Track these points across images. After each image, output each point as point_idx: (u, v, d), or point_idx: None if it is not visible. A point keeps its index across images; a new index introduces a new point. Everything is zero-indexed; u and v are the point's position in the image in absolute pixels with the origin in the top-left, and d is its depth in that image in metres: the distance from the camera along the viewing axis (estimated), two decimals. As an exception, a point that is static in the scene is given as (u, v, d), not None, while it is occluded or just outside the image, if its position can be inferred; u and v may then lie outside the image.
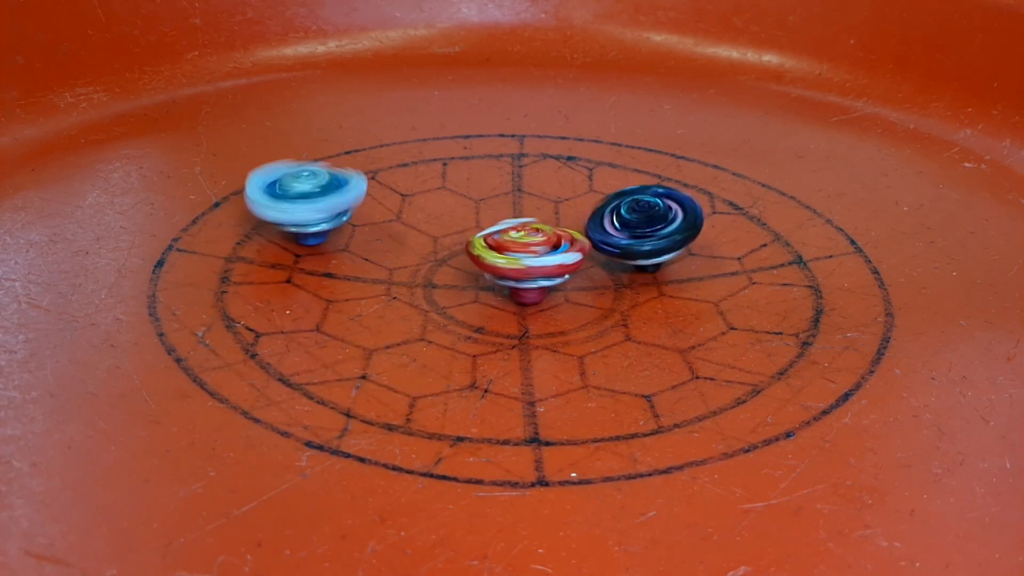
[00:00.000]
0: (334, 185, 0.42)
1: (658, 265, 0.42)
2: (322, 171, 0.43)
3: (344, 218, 0.43)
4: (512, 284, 0.40)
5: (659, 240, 0.41)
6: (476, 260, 0.39)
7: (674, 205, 0.42)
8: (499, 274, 0.39)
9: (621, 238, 0.41)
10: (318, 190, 0.42)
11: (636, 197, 0.42)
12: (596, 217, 0.42)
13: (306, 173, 0.42)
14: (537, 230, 0.40)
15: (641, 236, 0.41)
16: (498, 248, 0.39)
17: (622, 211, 0.42)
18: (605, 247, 0.41)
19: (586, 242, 0.41)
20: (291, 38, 0.57)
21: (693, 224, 0.42)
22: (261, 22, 0.56)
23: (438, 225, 0.45)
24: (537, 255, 0.39)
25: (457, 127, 0.52)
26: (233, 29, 0.56)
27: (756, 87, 0.56)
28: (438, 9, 0.59)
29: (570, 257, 0.39)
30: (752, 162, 0.50)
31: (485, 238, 0.40)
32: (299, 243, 0.43)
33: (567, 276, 0.40)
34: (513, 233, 0.40)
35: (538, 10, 0.59)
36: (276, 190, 0.42)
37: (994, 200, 0.48)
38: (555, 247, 0.40)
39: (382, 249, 0.44)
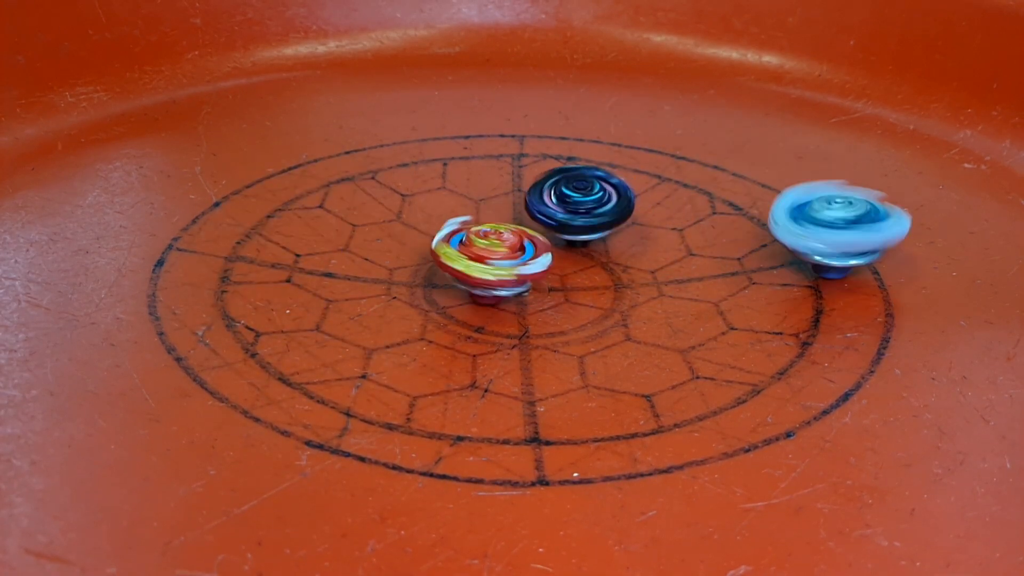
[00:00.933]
0: (870, 217, 0.40)
1: (587, 242, 0.44)
2: (861, 200, 0.40)
3: (873, 256, 0.41)
4: (483, 292, 0.40)
5: (592, 218, 0.43)
6: (453, 271, 0.39)
7: (609, 188, 0.43)
8: (476, 283, 0.39)
9: (557, 211, 0.43)
10: (845, 221, 0.40)
11: (575, 175, 0.44)
12: (536, 189, 0.43)
13: (840, 200, 0.40)
14: (499, 233, 0.40)
15: (575, 212, 0.43)
16: (472, 258, 0.39)
17: (562, 187, 0.43)
18: (541, 218, 0.43)
19: (547, 242, 0.41)
20: (291, 38, 0.57)
21: (625, 208, 0.43)
22: (261, 22, 0.56)
23: (438, 225, 0.45)
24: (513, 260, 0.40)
25: (457, 127, 0.52)
26: (233, 29, 0.56)
27: (756, 88, 0.56)
28: (438, 10, 0.59)
29: (540, 264, 0.40)
30: (752, 162, 0.50)
31: (452, 243, 0.40)
32: (819, 275, 0.42)
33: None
34: (480, 241, 0.40)
35: (538, 11, 0.59)
36: (806, 212, 0.40)
37: (994, 200, 0.48)
38: (520, 251, 0.40)
39: (382, 249, 0.44)
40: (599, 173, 0.44)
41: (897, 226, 0.40)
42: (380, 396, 0.36)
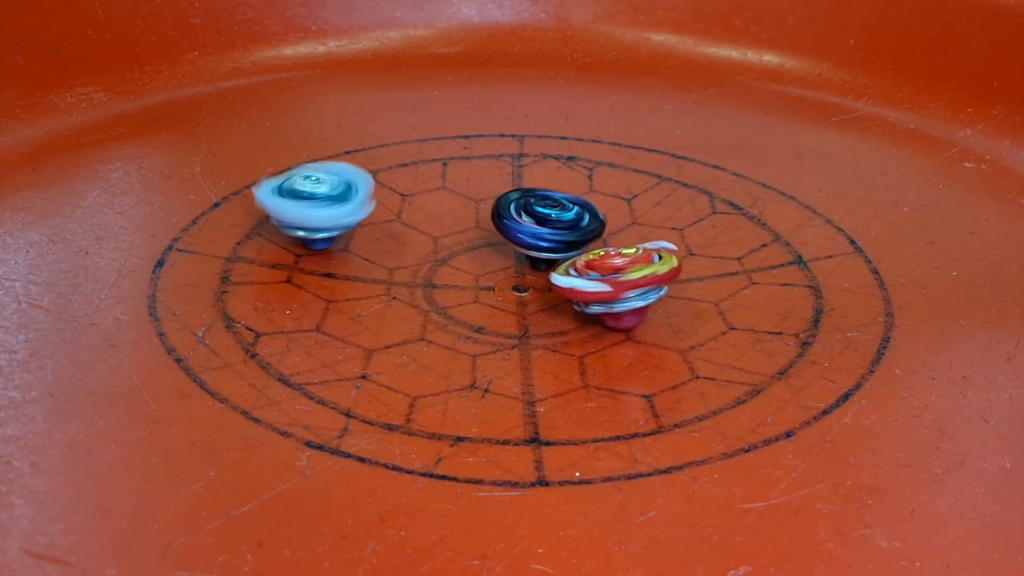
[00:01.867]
0: (337, 198, 0.41)
1: (549, 262, 0.42)
2: (337, 180, 0.42)
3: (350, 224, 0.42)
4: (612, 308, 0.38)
5: (556, 242, 0.41)
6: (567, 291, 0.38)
7: (586, 213, 0.42)
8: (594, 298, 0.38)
9: (524, 227, 0.41)
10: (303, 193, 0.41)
11: (548, 196, 0.42)
12: (504, 204, 0.42)
13: (315, 177, 0.42)
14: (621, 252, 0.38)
15: (540, 232, 0.41)
16: (591, 269, 0.38)
17: (532, 204, 0.42)
18: (507, 233, 0.41)
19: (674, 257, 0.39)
20: (291, 38, 0.57)
21: (589, 233, 0.41)
22: (261, 22, 0.56)
23: (438, 225, 0.45)
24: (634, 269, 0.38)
25: (457, 127, 0.52)
26: (233, 29, 0.56)
27: (756, 87, 0.56)
28: (438, 9, 0.59)
29: (664, 267, 0.38)
30: (752, 162, 0.50)
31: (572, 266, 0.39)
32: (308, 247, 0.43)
33: (663, 290, 0.39)
34: (602, 253, 0.38)
35: (538, 10, 0.59)
36: (283, 189, 0.42)
37: (994, 200, 0.48)
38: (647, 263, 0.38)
39: (382, 249, 0.44)
40: (559, 196, 0.42)
41: (351, 212, 0.41)
42: (380, 396, 0.36)
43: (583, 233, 0.41)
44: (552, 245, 0.41)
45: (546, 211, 0.42)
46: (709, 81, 0.56)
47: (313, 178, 0.42)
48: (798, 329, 0.40)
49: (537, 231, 0.41)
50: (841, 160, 0.50)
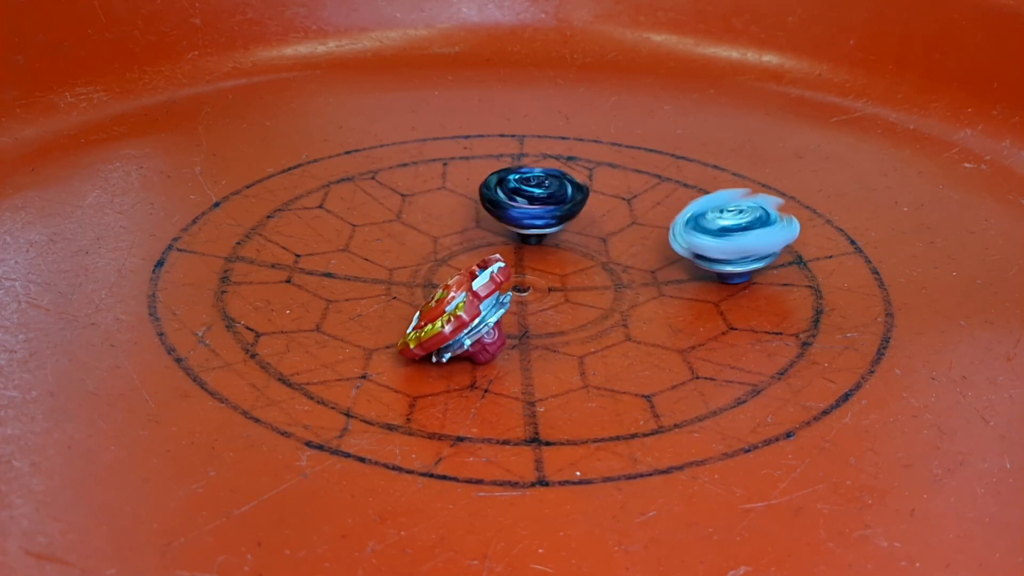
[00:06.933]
0: (760, 223, 0.41)
1: (542, 237, 0.44)
2: (752, 207, 0.41)
3: (769, 259, 0.42)
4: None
5: (551, 218, 0.43)
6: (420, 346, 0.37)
7: (569, 185, 0.44)
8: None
9: (519, 209, 0.43)
10: (742, 225, 0.41)
11: (536, 175, 0.44)
12: (492, 186, 0.44)
13: (731, 209, 0.41)
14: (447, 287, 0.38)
15: (535, 209, 0.43)
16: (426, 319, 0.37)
17: (517, 184, 0.43)
18: (504, 217, 0.43)
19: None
20: (291, 38, 0.57)
21: (574, 205, 0.43)
22: (261, 22, 0.56)
23: (438, 225, 0.45)
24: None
25: (457, 127, 0.52)
26: (233, 29, 0.56)
27: (756, 87, 0.56)
28: (438, 9, 0.59)
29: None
30: (752, 162, 0.50)
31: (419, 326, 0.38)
32: (724, 281, 0.42)
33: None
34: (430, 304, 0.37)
35: (538, 10, 0.59)
36: (700, 223, 0.41)
37: (994, 200, 0.48)
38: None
39: (382, 249, 0.44)
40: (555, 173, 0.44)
41: (787, 231, 0.41)
42: (380, 396, 0.36)
43: (572, 205, 0.43)
44: (545, 222, 0.43)
45: (531, 189, 0.43)
46: (709, 81, 0.56)
47: (728, 211, 0.41)
48: (798, 329, 0.40)
49: (531, 211, 0.43)
50: (841, 160, 0.50)
